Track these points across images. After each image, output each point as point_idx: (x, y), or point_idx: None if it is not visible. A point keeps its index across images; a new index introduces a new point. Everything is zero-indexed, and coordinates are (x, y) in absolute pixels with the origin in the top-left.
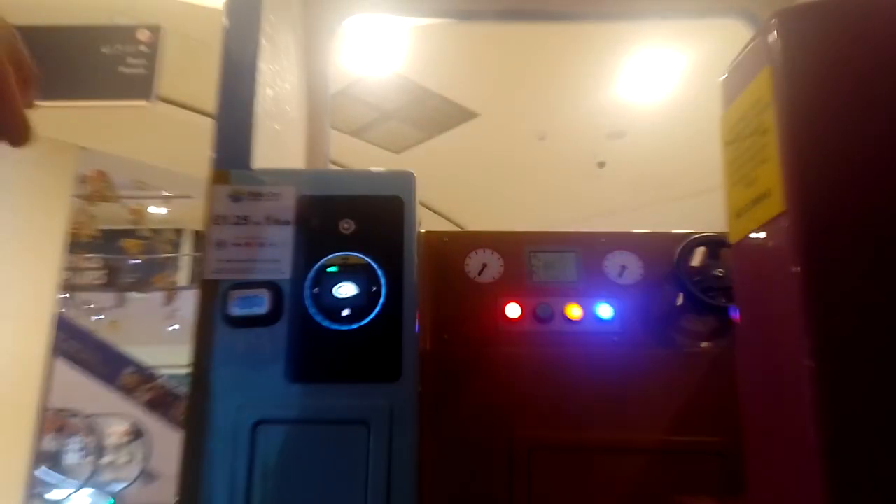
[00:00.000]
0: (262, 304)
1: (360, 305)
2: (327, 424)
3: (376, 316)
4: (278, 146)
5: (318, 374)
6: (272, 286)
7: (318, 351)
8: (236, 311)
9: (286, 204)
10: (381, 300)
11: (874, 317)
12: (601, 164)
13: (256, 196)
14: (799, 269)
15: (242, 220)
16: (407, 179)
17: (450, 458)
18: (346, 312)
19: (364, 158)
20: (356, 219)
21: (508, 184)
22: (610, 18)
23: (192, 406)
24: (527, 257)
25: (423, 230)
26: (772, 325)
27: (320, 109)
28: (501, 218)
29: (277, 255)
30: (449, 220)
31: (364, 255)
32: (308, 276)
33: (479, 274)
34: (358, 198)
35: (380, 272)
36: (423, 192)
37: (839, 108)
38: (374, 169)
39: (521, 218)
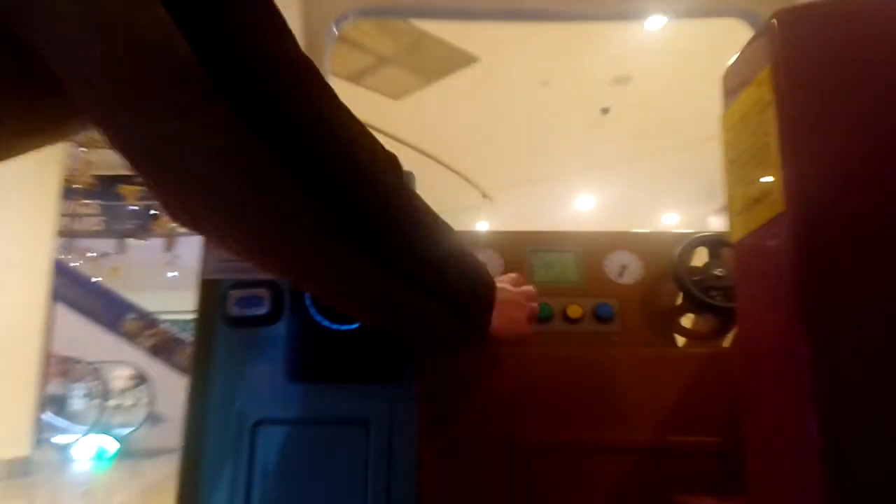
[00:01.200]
0: (262, 304)
1: None
2: (327, 424)
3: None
4: None
5: (317, 374)
6: (272, 286)
7: (318, 351)
8: (236, 311)
9: None
10: None
11: (873, 316)
12: (605, 111)
13: None
14: (798, 268)
15: None
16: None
17: (450, 458)
18: None
19: (362, 105)
20: None
21: (510, 131)
22: (610, 18)
23: (192, 406)
24: (527, 257)
25: None
26: (772, 325)
27: None
28: (502, 166)
29: None
30: (448, 167)
31: None
32: None
33: None
34: None
35: None
36: (422, 139)
37: (839, 108)
38: None
39: (521, 166)
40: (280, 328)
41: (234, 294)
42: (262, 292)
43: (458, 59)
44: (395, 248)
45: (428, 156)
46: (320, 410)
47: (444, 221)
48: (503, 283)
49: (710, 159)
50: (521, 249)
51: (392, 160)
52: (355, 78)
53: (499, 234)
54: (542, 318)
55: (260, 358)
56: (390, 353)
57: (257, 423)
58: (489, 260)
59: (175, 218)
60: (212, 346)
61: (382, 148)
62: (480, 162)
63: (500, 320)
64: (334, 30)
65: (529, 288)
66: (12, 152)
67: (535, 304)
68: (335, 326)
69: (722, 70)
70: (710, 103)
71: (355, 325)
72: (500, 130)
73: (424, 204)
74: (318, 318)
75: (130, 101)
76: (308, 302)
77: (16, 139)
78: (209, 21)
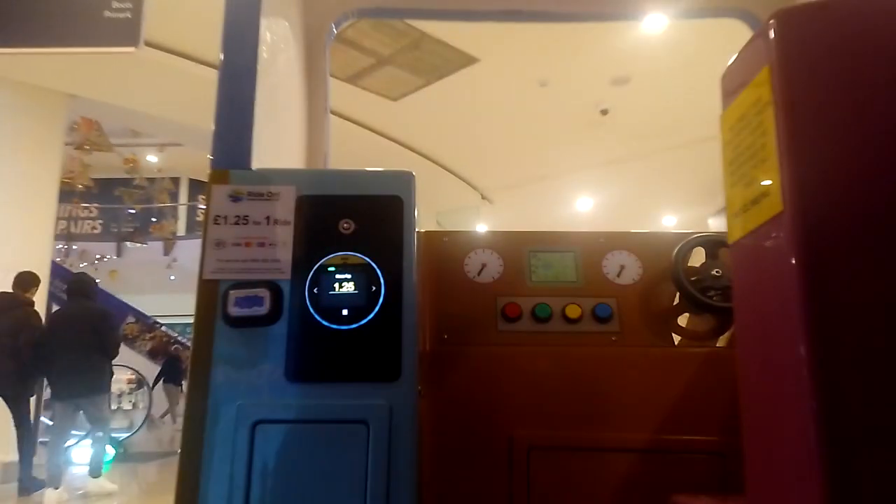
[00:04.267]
0: (261, 303)
1: (359, 305)
2: (327, 424)
3: (376, 315)
4: (278, 146)
5: (317, 373)
6: (272, 286)
7: (318, 351)
8: (236, 311)
9: (286, 204)
10: (381, 300)
11: (872, 315)
12: (604, 112)
13: (256, 196)
14: (797, 268)
15: (242, 220)
16: (407, 179)
17: (449, 457)
18: (345, 312)
19: (360, 106)
20: (356, 218)
21: (509, 131)
22: (610, 19)
23: (191, 406)
24: (526, 257)
25: (422, 230)
26: (770, 324)
27: (320, 109)
28: (499, 167)
29: (277, 255)
30: (447, 169)
31: (364, 254)
32: (308, 276)
33: (479, 274)
34: (358, 198)
35: (379, 272)
36: (421, 140)
37: (838, 108)
38: (373, 169)
39: (520, 167)
40: (280, 328)
41: (234, 294)
42: (262, 292)
43: (458, 60)
44: None
45: (426, 157)
46: (320, 410)
47: None
48: None
49: (710, 159)
50: (520, 249)
51: None
52: (354, 79)
53: (498, 234)
54: (541, 317)
55: (260, 358)
56: (389, 353)
57: (257, 423)
58: (489, 260)
59: None
60: (212, 346)
61: None
62: (479, 163)
63: None
64: (333, 29)
65: None
66: None
67: None
68: (334, 326)
69: (721, 70)
70: (709, 104)
71: (355, 325)
72: (499, 131)
73: None
74: (318, 317)
75: None
76: (307, 302)
77: None
78: None
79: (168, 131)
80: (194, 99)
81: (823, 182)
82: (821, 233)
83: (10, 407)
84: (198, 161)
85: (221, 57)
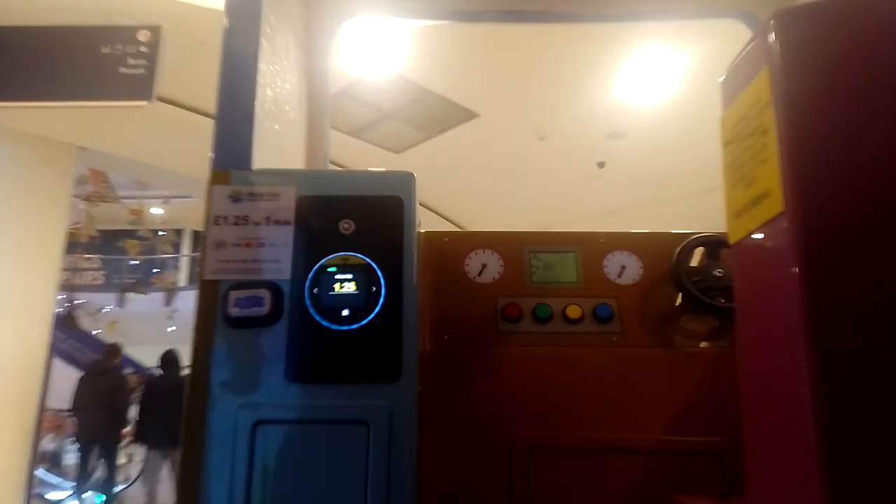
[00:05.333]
0: (262, 304)
1: (359, 305)
2: (327, 424)
3: (376, 316)
4: (278, 146)
5: (317, 374)
6: (272, 286)
7: (318, 351)
8: (236, 311)
9: (286, 204)
10: (381, 300)
11: (872, 316)
12: (601, 165)
13: (256, 196)
14: (797, 268)
15: (242, 221)
16: (407, 180)
17: (450, 457)
18: (345, 312)
19: (364, 158)
20: (356, 219)
21: (508, 183)
22: (610, 19)
23: (192, 406)
24: (526, 257)
25: (422, 230)
26: (771, 325)
27: (320, 110)
28: (501, 218)
29: (277, 255)
30: (448, 220)
31: (364, 255)
32: (308, 277)
33: (479, 274)
34: (358, 198)
35: (379, 272)
36: (422, 193)
37: (838, 109)
38: (373, 169)
39: (520, 218)
40: (280, 328)
41: (234, 294)
42: (262, 292)
43: (458, 115)
44: None
45: (428, 208)
46: (320, 410)
47: None
48: None
49: (707, 211)
50: (521, 250)
51: None
52: (358, 132)
53: (499, 235)
54: (541, 318)
55: (260, 358)
56: (390, 354)
57: (257, 423)
58: (489, 260)
59: None
60: (212, 346)
61: None
62: (480, 214)
63: None
64: (335, 31)
65: None
66: None
67: None
68: (335, 327)
69: (716, 122)
70: (707, 156)
71: (355, 326)
72: (500, 183)
73: None
74: (318, 318)
75: None
76: (308, 302)
77: None
78: None
79: (175, 183)
80: (202, 151)
81: (824, 182)
82: (821, 233)
83: (102, 450)
84: (201, 213)
85: (222, 57)
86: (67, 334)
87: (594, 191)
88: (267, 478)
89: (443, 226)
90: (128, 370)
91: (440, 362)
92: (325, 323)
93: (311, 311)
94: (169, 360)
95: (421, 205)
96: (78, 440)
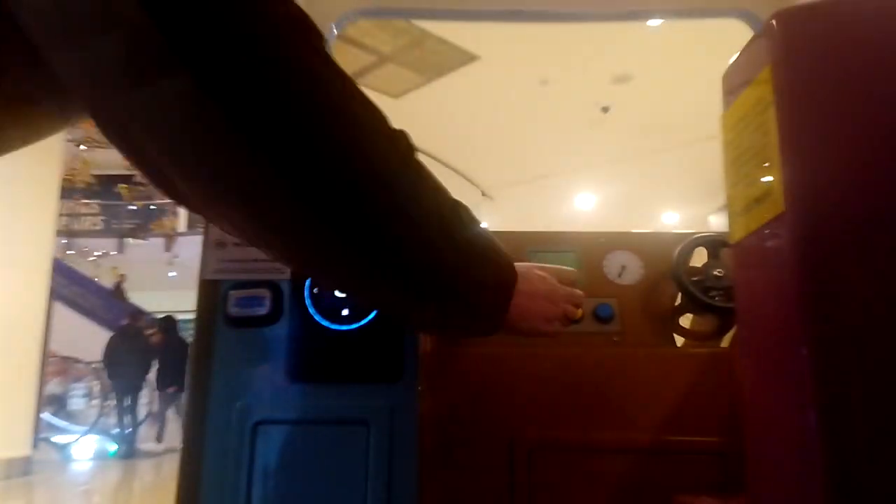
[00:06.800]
0: (262, 304)
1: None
2: (327, 424)
3: (376, 316)
4: None
5: (318, 374)
6: (272, 286)
7: (318, 351)
8: (236, 311)
9: None
10: None
11: (873, 316)
12: (605, 110)
13: None
14: (799, 268)
15: None
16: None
17: (450, 458)
18: (346, 312)
19: None
20: None
21: (509, 130)
22: (610, 19)
23: (192, 406)
24: (526, 257)
25: None
26: (772, 325)
27: None
28: (501, 165)
29: None
30: (448, 166)
31: None
32: (308, 276)
33: None
34: None
35: None
36: (420, 139)
37: (839, 108)
38: None
39: (521, 164)
40: (280, 328)
41: (234, 294)
42: (262, 292)
43: (459, 58)
44: (393, 242)
45: (427, 154)
46: (320, 410)
47: (460, 206)
48: (547, 273)
49: (711, 158)
50: (520, 249)
51: (398, 139)
52: (356, 77)
53: (498, 234)
54: None
55: (260, 358)
56: (390, 353)
57: (258, 423)
58: None
59: (162, 190)
60: (212, 346)
61: (386, 124)
62: (480, 160)
63: (520, 312)
64: (334, 30)
65: (574, 291)
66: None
67: (571, 307)
68: (335, 326)
69: (722, 68)
70: (710, 102)
71: (355, 325)
72: (500, 129)
73: (434, 187)
74: (318, 318)
75: (95, 71)
76: (308, 302)
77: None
78: None
79: None
80: None
81: (825, 182)
82: (823, 233)
83: (131, 400)
84: None
85: None
86: (68, 280)
87: (597, 137)
88: (267, 478)
89: (442, 171)
90: (149, 331)
91: (441, 363)
92: (325, 322)
93: (312, 310)
94: (168, 325)
95: (419, 150)
96: (114, 391)
